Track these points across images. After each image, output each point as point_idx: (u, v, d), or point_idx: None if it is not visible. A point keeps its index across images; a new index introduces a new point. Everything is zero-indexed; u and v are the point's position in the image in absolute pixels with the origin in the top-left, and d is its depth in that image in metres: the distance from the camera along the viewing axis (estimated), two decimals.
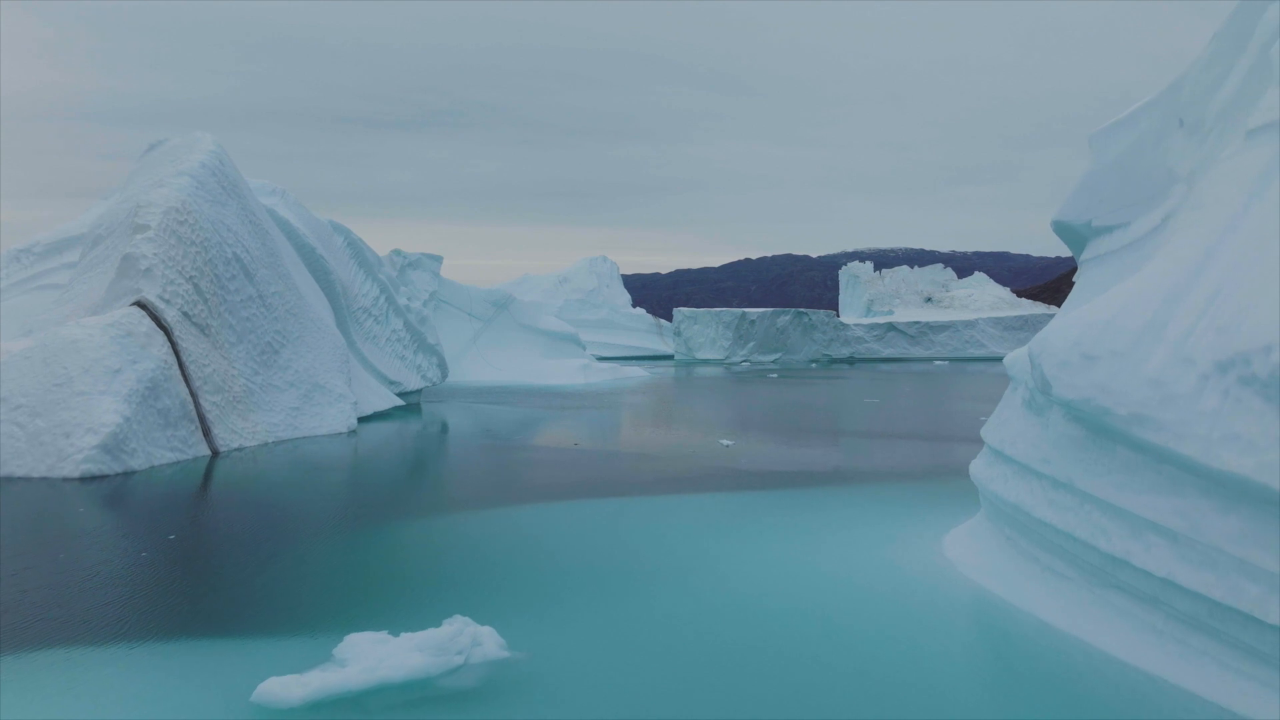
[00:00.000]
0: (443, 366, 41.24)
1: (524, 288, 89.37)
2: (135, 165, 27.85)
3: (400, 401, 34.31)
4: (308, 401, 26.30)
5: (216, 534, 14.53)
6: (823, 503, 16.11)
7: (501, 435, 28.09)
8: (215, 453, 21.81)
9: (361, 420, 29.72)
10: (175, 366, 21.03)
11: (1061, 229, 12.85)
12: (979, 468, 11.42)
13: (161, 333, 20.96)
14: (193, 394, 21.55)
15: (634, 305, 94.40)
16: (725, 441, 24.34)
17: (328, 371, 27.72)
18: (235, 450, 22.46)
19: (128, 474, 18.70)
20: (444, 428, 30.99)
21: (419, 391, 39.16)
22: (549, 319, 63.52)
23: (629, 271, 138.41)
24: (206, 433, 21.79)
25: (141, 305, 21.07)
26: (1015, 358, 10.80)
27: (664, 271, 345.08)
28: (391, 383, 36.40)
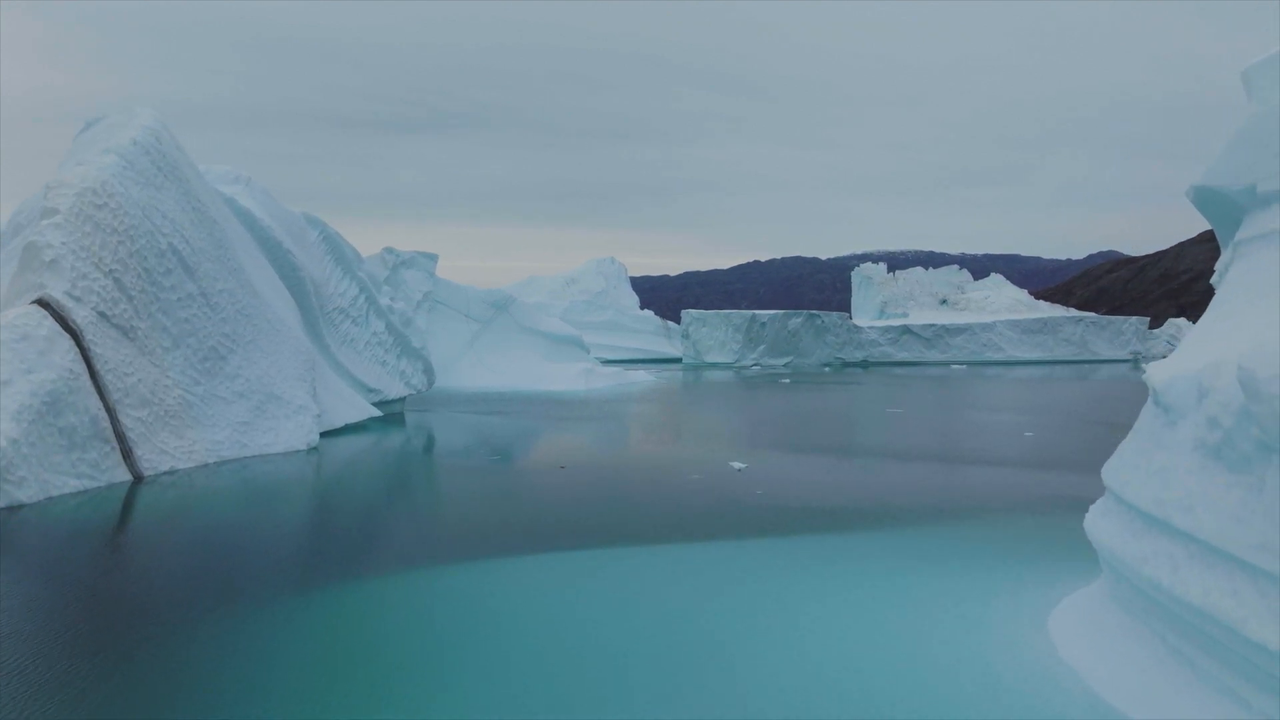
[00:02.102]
0: (429, 372, 37.87)
1: (531, 289, 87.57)
2: (70, 148, 24.57)
3: (376, 412, 30.96)
4: (260, 415, 22.96)
5: (43, 614, 10.71)
6: (865, 556, 12.66)
7: (478, 453, 24.67)
8: (138, 478, 18.48)
9: (330, 434, 26.42)
10: (85, 376, 17.69)
11: (1206, 198, 9.40)
12: (1110, 535, 7.96)
13: (68, 336, 17.63)
14: (109, 409, 18.20)
15: (642, 307, 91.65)
16: (737, 464, 20.89)
17: (286, 380, 24.39)
18: (165, 474, 19.14)
19: (13, 509, 15.33)
20: (416, 444, 27.62)
21: (403, 400, 35.87)
22: (551, 321, 60.23)
23: (637, 273, 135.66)
24: (127, 454, 18.45)
25: (44, 304, 17.74)
26: (1178, 379, 7.34)
27: (672, 273, 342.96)
28: (370, 390, 33.10)
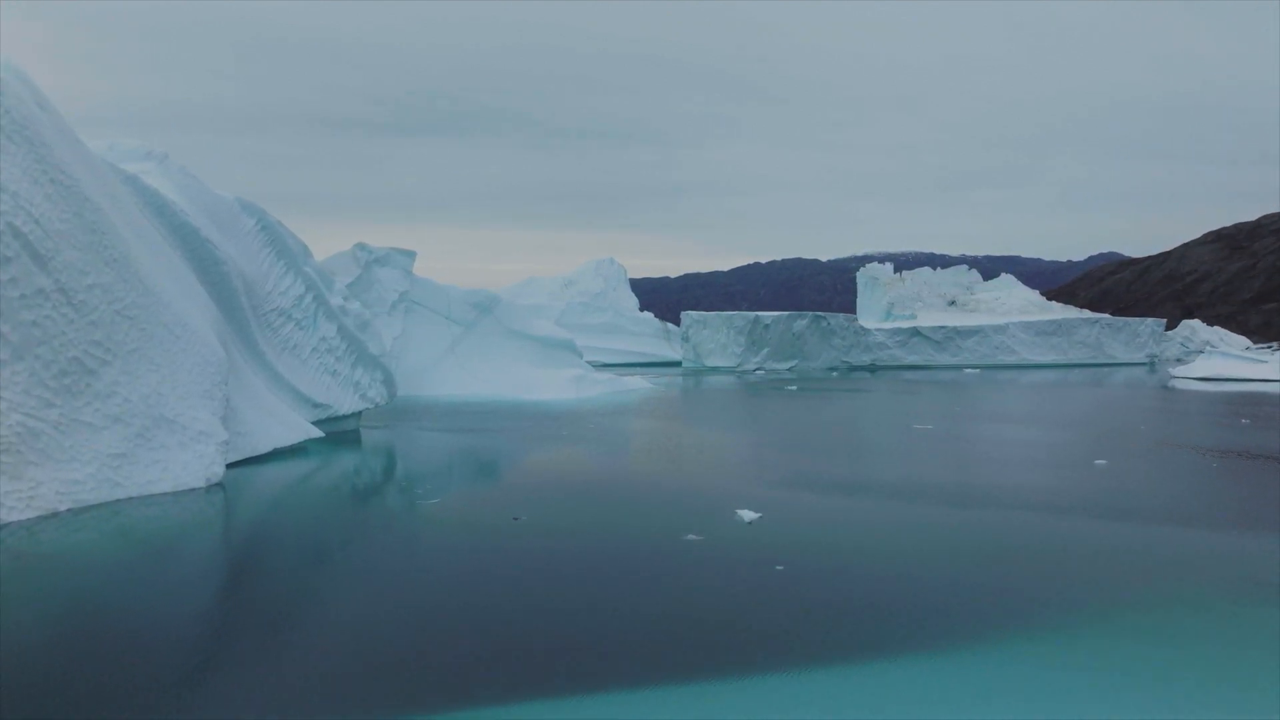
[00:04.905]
0: (389, 383, 32.97)
1: (529, 290, 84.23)
2: None
3: (317, 432, 26.02)
4: (143, 444, 18.11)
5: None
6: (993, 703, 7.78)
7: (423, 489, 19.61)
8: None
9: (252, 462, 21.60)
10: None
11: None
12: None
13: None
14: None
15: (641, 309, 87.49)
16: (746, 515, 15.90)
17: (184, 398, 19.53)
18: None
19: None
20: (351, 476, 22.68)
21: (358, 415, 31.04)
22: (541, 323, 55.32)
23: (637, 275, 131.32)
24: None
25: None
26: None
27: (672, 275, 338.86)
28: (317, 405, 28.28)
